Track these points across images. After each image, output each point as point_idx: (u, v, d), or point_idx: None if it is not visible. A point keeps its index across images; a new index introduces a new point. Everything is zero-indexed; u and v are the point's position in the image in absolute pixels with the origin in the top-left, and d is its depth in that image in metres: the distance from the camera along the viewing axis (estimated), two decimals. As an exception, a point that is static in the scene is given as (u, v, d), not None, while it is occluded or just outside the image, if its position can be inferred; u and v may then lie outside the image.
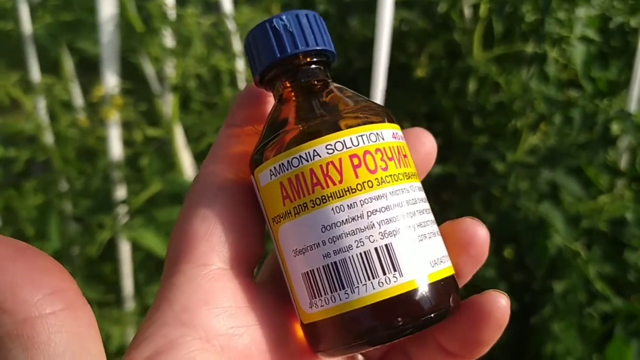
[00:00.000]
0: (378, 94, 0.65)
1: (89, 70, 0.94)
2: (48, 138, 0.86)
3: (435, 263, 0.23)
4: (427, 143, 0.27)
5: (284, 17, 0.25)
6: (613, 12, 1.00)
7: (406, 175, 0.24)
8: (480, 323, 0.24)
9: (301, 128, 0.23)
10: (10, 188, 0.88)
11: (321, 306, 0.23)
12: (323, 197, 0.22)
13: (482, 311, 0.24)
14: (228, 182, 0.24)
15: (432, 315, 0.22)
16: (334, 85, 0.26)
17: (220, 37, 0.69)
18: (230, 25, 0.72)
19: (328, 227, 0.22)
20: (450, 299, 0.23)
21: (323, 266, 0.22)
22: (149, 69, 0.79)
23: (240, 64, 0.75)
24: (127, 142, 0.77)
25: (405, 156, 0.24)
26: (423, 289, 0.22)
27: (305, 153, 0.23)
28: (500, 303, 0.24)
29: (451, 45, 1.10)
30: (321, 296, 0.22)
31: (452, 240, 0.25)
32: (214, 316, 0.22)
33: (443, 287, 0.23)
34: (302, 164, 0.23)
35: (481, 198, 0.99)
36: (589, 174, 0.91)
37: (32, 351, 0.17)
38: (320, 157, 0.23)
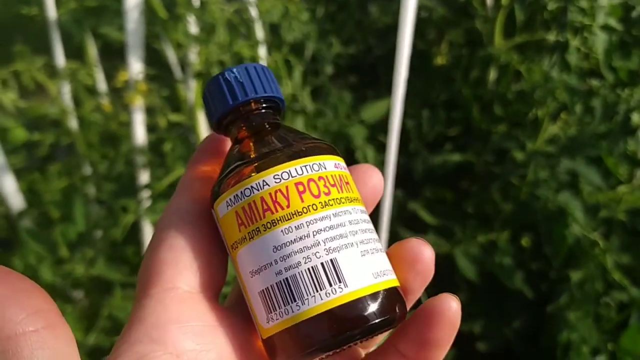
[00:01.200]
0: (400, 82, 0.65)
1: (112, 55, 0.95)
2: (72, 122, 0.87)
3: (378, 275, 0.25)
4: (374, 177, 0.29)
5: (234, 70, 0.28)
6: (635, 1, 0.99)
7: (348, 199, 0.26)
8: (434, 323, 0.25)
9: (253, 162, 0.26)
10: (35, 171, 0.90)
11: (276, 319, 0.24)
12: (273, 221, 0.25)
13: (435, 312, 0.25)
14: (193, 215, 0.26)
15: (377, 321, 0.24)
16: (283, 127, 0.28)
17: (243, 24, 0.70)
18: (253, 12, 0.73)
19: (279, 247, 0.24)
20: (395, 307, 0.25)
21: (276, 283, 0.24)
22: (172, 56, 0.80)
23: (262, 51, 0.75)
24: (151, 128, 0.78)
25: (347, 183, 0.27)
26: (367, 298, 0.24)
27: (256, 183, 0.25)
28: (451, 304, 0.25)
29: (472, 33, 1.09)
30: (276, 310, 0.24)
31: (400, 258, 0.27)
32: (182, 333, 0.24)
33: (387, 297, 0.25)
34: (254, 193, 0.25)
35: (500, 187, 0.99)
36: (608, 164, 0.90)
37: None
38: (269, 186, 0.25)
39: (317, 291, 0.24)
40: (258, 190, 0.25)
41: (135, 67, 0.67)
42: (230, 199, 0.25)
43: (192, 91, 0.69)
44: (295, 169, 0.25)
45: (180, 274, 0.25)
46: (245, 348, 0.25)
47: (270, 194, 0.25)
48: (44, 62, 0.85)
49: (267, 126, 0.28)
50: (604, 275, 0.89)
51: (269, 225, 0.25)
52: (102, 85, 0.90)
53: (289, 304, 0.24)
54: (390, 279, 0.25)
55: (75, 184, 0.85)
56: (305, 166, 0.26)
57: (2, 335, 0.19)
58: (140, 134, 0.74)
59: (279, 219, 0.25)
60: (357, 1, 1.30)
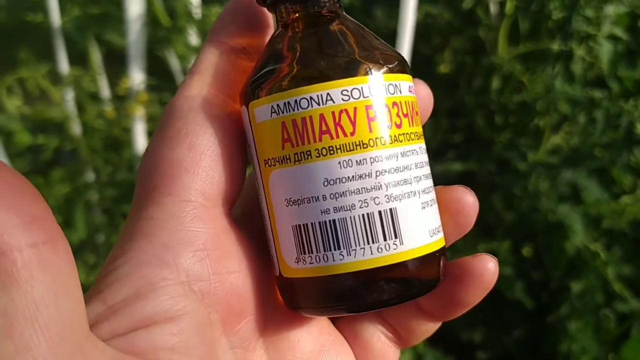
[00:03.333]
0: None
1: (116, 61, 0.95)
2: (75, 128, 0.88)
3: (434, 233, 0.22)
4: (422, 89, 0.26)
5: None
6: (643, 10, 0.98)
7: (417, 135, 0.22)
8: (469, 285, 0.23)
9: (315, 65, 0.21)
10: (38, 175, 0.91)
11: (310, 263, 0.21)
12: (331, 148, 0.20)
13: (472, 273, 0.23)
14: (218, 109, 0.22)
15: (423, 287, 0.22)
16: (348, 19, 0.23)
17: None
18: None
19: (331, 182, 0.21)
20: (442, 270, 0.23)
21: (320, 222, 0.21)
22: (174, 64, 0.80)
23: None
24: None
25: (417, 113, 0.23)
26: (420, 259, 0.21)
27: (318, 95, 0.20)
28: (490, 265, 0.23)
29: (476, 41, 1.09)
30: (312, 253, 0.21)
31: (443, 206, 0.24)
32: (197, 259, 0.21)
33: (436, 258, 0.22)
34: (312, 106, 0.20)
35: (502, 197, 0.99)
36: (612, 174, 0.90)
37: (11, 290, 0.15)
38: (333, 102, 0.20)
39: (368, 243, 0.20)
40: (319, 104, 0.20)
41: (137, 77, 0.68)
42: (277, 105, 0.21)
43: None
44: (370, 87, 0.21)
45: (199, 184, 0.21)
46: (257, 280, 0.23)
47: (333, 112, 0.20)
48: (48, 69, 0.85)
49: (329, 16, 0.23)
50: (604, 287, 0.89)
51: (324, 151, 0.20)
52: (105, 91, 0.91)
53: (330, 250, 0.21)
54: (442, 238, 0.23)
55: (78, 190, 0.86)
56: (381, 85, 0.21)
57: None
58: (141, 142, 0.75)
59: (339, 147, 0.20)
60: (362, 5, 1.30)
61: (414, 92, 0.23)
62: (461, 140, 1.07)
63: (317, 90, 0.20)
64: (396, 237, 0.21)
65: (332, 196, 0.20)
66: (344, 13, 0.23)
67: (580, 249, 0.87)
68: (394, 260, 0.21)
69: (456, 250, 0.94)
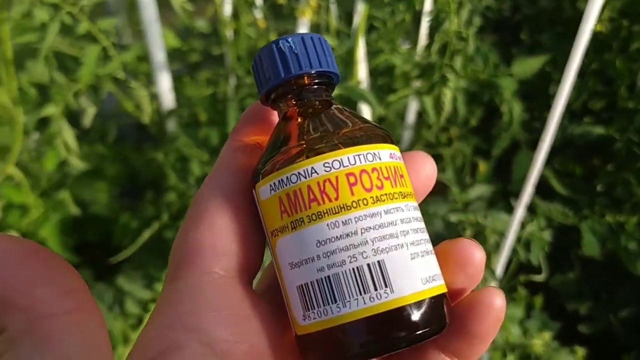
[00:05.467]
0: (581, 45, 0.63)
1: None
2: (227, 34, 0.90)
3: (427, 281, 0.23)
4: (428, 166, 0.28)
5: (289, 40, 0.26)
6: None
7: (402, 195, 0.24)
8: (480, 317, 0.24)
9: (301, 146, 0.24)
10: (186, 75, 0.94)
11: (314, 318, 0.23)
12: (319, 213, 0.23)
13: (481, 305, 0.24)
14: (233, 193, 0.25)
15: (422, 332, 0.23)
16: (335, 106, 0.26)
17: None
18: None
19: (323, 242, 0.23)
20: (442, 316, 0.24)
21: (317, 280, 0.23)
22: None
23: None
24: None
25: (402, 176, 0.25)
26: (414, 306, 0.23)
27: (304, 170, 0.23)
28: (497, 300, 0.24)
29: (636, 3, 1.02)
30: (314, 309, 0.23)
31: (450, 258, 0.25)
32: (217, 322, 0.23)
33: (434, 305, 0.23)
34: (300, 180, 0.23)
35: (637, 169, 0.94)
36: None
37: (44, 349, 0.18)
38: (317, 174, 0.23)
39: (361, 294, 0.22)
40: (305, 177, 0.23)
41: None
42: (274, 183, 0.24)
43: (358, 15, 0.69)
44: (348, 157, 0.24)
45: (218, 257, 0.24)
46: (278, 341, 0.25)
47: (318, 183, 0.23)
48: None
49: (318, 105, 0.26)
50: None
51: (314, 217, 0.23)
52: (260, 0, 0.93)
53: (328, 304, 0.23)
54: (438, 285, 0.24)
55: (224, 92, 0.88)
56: (358, 155, 0.24)
57: (30, 316, 0.18)
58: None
59: (325, 211, 0.23)
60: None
61: (396, 158, 0.25)
62: (602, 106, 1.02)
63: (303, 166, 0.23)
64: (386, 286, 0.22)
65: (324, 255, 0.23)
66: (334, 100, 0.27)
67: None
68: (387, 308, 0.22)
69: (583, 216, 0.90)
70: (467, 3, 0.69)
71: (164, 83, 0.86)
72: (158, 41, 0.80)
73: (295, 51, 0.25)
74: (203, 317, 0.23)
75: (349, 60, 0.67)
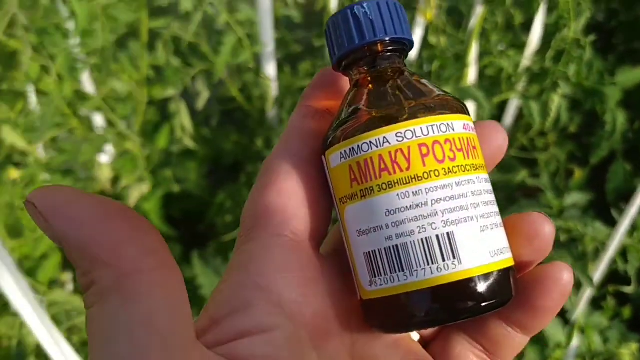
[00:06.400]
0: None
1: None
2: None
3: (495, 254, 0.24)
4: (500, 137, 0.28)
5: (365, 5, 0.25)
6: None
7: (474, 167, 0.24)
8: (546, 291, 0.24)
9: (373, 114, 0.24)
10: (287, 65, 0.97)
11: (380, 285, 0.24)
12: (389, 183, 0.23)
13: (548, 279, 0.25)
14: (303, 159, 0.26)
15: (486, 304, 0.23)
16: (408, 74, 0.26)
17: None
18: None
19: (392, 212, 0.23)
20: (507, 289, 0.24)
21: (385, 248, 0.23)
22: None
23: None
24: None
25: (474, 148, 0.25)
26: (480, 278, 0.23)
27: (376, 139, 0.23)
28: (564, 274, 0.25)
29: None
30: (381, 275, 0.24)
31: (518, 232, 0.25)
32: (286, 283, 0.24)
33: (500, 278, 0.23)
34: (372, 149, 0.23)
35: None
36: None
37: (130, 304, 0.19)
38: (389, 144, 0.23)
39: (428, 264, 0.23)
40: (377, 147, 0.23)
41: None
42: (344, 151, 0.24)
43: (475, 18, 0.71)
44: (421, 128, 0.23)
45: (288, 221, 0.25)
46: (343, 304, 0.25)
47: (389, 152, 0.23)
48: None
49: (392, 72, 0.26)
50: None
51: (384, 186, 0.23)
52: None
53: (395, 272, 0.23)
54: (506, 258, 0.24)
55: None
56: (431, 126, 0.24)
57: (117, 272, 0.19)
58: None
59: (396, 181, 0.23)
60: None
61: (469, 129, 0.25)
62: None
63: (375, 135, 0.23)
64: (454, 257, 0.23)
65: (393, 224, 0.23)
66: (406, 68, 0.26)
67: None
68: (455, 279, 0.23)
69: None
70: (586, 11, 0.69)
71: (271, 71, 0.89)
72: (269, 31, 0.83)
73: (370, 17, 0.25)
74: (273, 278, 0.24)
75: (458, 62, 0.68)
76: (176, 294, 0.20)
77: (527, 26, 0.80)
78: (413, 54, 0.77)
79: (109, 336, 0.19)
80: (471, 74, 0.73)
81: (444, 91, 0.26)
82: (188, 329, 0.20)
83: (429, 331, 0.28)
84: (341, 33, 0.26)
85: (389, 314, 0.24)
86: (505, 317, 0.26)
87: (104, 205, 0.20)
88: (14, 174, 0.75)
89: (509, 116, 0.90)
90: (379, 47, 0.26)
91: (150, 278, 0.19)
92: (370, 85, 0.26)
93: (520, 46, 0.78)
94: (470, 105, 0.72)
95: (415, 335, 0.28)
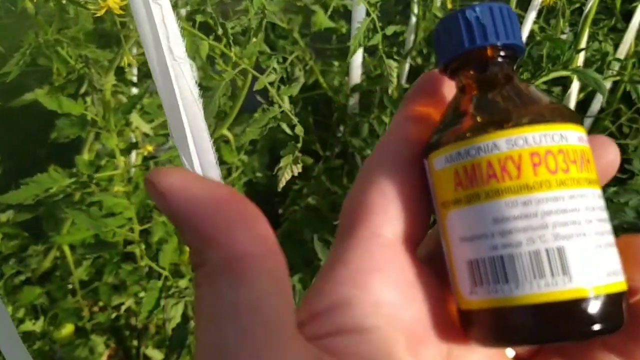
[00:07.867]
0: None
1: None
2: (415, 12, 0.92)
3: (609, 275, 0.22)
4: (612, 152, 0.26)
5: (476, 9, 0.25)
6: None
7: (587, 181, 0.23)
8: None
9: (482, 119, 0.23)
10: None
11: (482, 295, 0.23)
12: (497, 190, 0.22)
13: None
14: (403, 161, 0.25)
15: (597, 328, 0.22)
16: (518, 80, 0.25)
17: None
18: None
19: (499, 220, 0.22)
20: (619, 315, 0.22)
21: (489, 257, 0.22)
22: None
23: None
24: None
25: (588, 161, 0.24)
26: (592, 299, 0.21)
27: (484, 145, 0.23)
28: None
29: None
30: (483, 285, 0.23)
31: (629, 254, 0.24)
32: (384, 283, 0.23)
33: (614, 301, 0.22)
34: (480, 154, 0.23)
35: None
36: None
37: (238, 287, 0.19)
38: (499, 150, 0.22)
39: (535, 278, 0.22)
40: (485, 152, 0.23)
41: None
42: (450, 155, 0.23)
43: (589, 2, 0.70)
44: (533, 136, 0.22)
45: (388, 221, 0.24)
46: (440, 310, 0.25)
47: (499, 159, 0.22)
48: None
49: (501, 78, 0.25)
50: None
51: (491, 193, 0.22)
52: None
53: (499, 283, 0.22)
54: (620, 281, 0.23)
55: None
56: (544, 135, 0.23)
57: (227, 253, 0.20)
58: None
59: (504, 189, 0.22)
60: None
61: (584, 141, 0.24)
62: None
63: (484, 140, 0.23)
64: (564, 274, 0.21)
65: (499, 233, 0.22)
66: (515, 74, 0.25)
67: None
68: (563, 297, 0.21)
69: None
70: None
71: (357, 58, 0.88)
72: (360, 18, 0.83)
73: (482, 21, 0.25)
74: (372, 277, 0.23)
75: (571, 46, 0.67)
76: (282, 282, 0.20)
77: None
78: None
79: (216, 316, 0.19)
80: (580, 59, 0.72)
81: (556, 101, 0.25)
82: (291, 318, 0.20)
83: (525, 349, 0.26)
84: (450, 36, 0.25)
85: (491, 327, 0.23)
86: (612, 345, 0.24)
87: (219, 189, 0.21)
88: (149, 148, 0.79)
89: (597, 101, 0.90)
90: (490, 52, 0.25)
91: (260, 263, 0.20)
92: (478, 91, 0.25)
93: (620, 30, 0.78)
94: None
95: (510, 352, 0.26)
